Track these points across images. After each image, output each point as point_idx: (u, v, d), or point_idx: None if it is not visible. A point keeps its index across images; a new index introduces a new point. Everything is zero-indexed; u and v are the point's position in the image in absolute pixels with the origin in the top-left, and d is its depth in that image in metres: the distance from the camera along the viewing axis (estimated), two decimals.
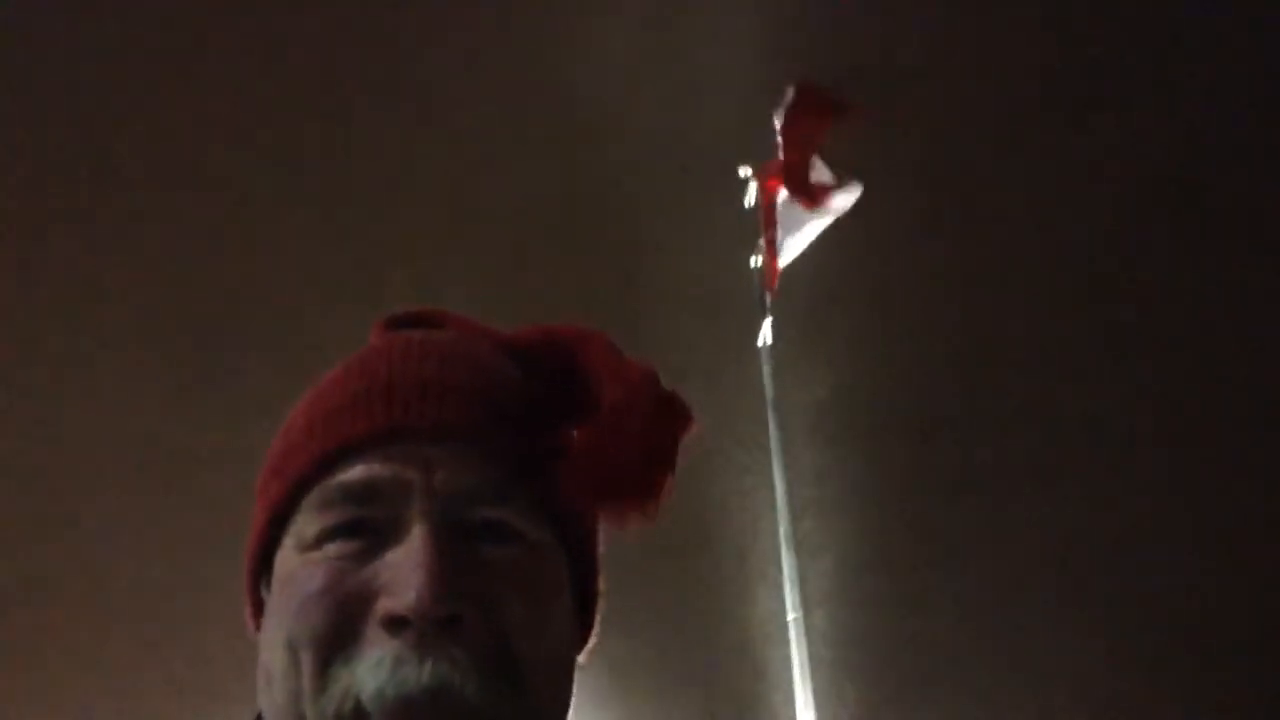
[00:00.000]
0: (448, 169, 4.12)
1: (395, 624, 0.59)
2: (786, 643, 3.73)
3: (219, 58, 3.92)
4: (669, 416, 0.68)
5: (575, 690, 0.69)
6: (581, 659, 0.71)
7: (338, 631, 0.60)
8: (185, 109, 3.83)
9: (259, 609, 0.69)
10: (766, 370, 3.97)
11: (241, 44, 3.95)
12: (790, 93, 3.58)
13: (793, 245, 3.82)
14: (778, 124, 3.62)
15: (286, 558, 0.65)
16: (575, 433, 0.68)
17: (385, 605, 0.60)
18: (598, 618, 0.73)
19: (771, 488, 3.94)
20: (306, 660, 0.60)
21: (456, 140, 4.20)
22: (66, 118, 3.76)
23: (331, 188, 3.91)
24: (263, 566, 0.68)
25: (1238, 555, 3.52)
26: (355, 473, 0.63)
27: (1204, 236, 3.84)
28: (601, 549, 0.73)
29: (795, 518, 3.87)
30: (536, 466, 0.66)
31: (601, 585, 0.72)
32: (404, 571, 0.60)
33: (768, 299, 3.91)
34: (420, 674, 0.58)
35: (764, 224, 3.87)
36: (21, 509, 3.37)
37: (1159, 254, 3.84)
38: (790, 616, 3.89)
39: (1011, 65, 4.06)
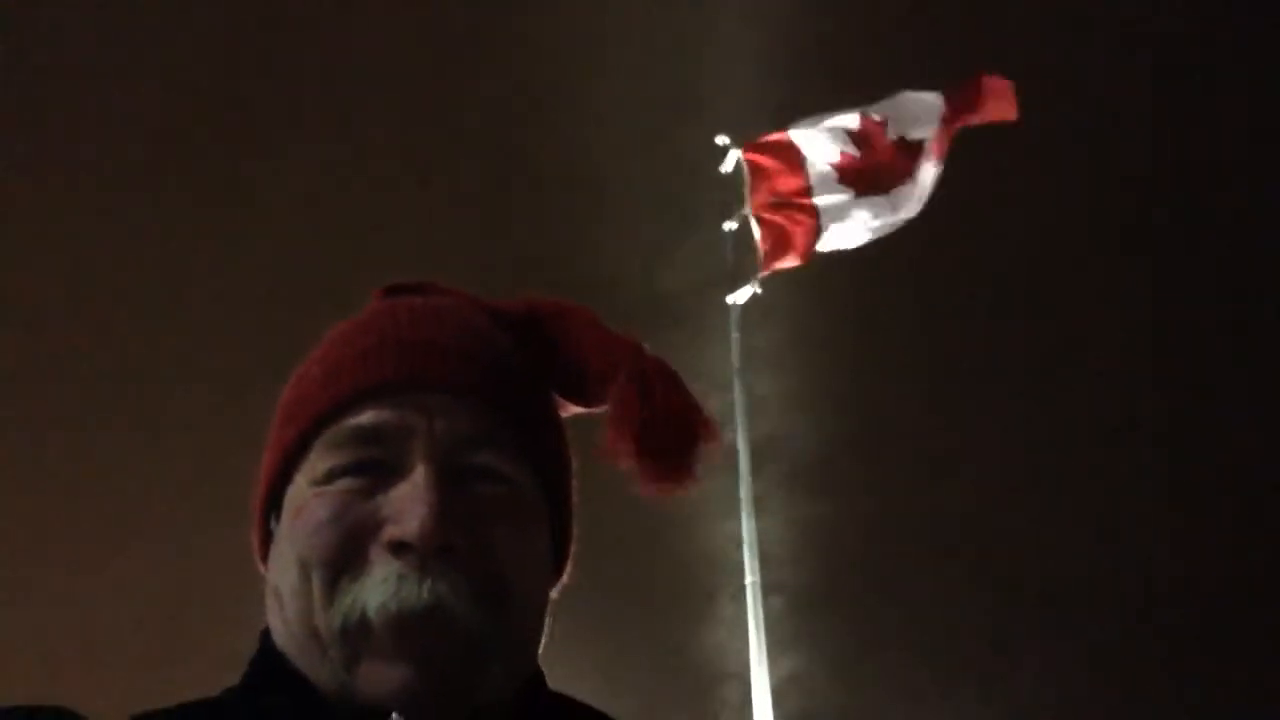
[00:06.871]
0: (417, 142, 4.19)
1: (399, 548, 0.68)
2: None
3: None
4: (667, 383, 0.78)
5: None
6: (554, 594, 0.80)
7: (345, 553, 0.69)
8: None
9: (266, 541, 0.77)
10: (735, 337, 4.06)
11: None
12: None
13: (843, 234, 3.87)
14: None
15: (299, 492, 0.73)
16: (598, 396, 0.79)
17: (390, 532, 0.68)
18: (570, 558, 0.82)
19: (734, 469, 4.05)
20: (317, 578, 0.69)
21: (425, 111, 4.26)
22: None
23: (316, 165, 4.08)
24: (272, 503, 0.76)
25: None
26: (365, 417, 0.72)
27: None
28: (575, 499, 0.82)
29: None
30: (522, 419, 0.75)
31: (575, 529, 0.81)
32: (408, 504, 0.68)
33: (758, 269, 3.95)
34: (420, 591, 0.67)
35: (750, 199, 3.90)
36: None
37: None
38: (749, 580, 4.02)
39: None
